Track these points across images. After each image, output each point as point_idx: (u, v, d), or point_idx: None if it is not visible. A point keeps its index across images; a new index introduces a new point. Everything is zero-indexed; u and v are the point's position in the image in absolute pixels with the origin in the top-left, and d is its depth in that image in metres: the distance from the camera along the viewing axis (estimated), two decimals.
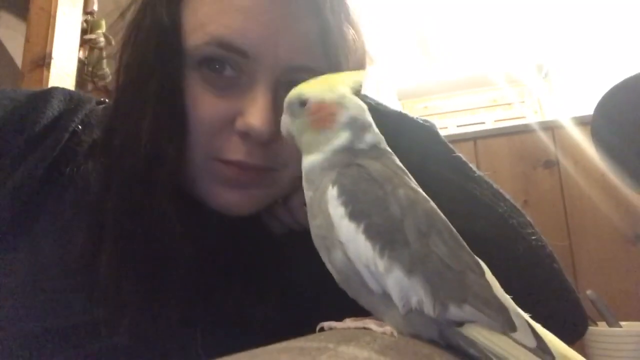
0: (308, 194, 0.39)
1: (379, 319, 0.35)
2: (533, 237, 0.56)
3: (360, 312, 0.37)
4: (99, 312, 0.46)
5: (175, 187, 0.49)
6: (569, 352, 0.31)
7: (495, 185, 0.61)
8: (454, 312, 0.32)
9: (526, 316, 0.33)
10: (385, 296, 0.34)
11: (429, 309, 0.32)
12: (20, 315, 0.46)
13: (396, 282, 0.33)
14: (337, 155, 0.38)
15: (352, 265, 0.35)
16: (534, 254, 0.55)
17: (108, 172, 0.50)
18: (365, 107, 0.41)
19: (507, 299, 0.33)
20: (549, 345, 0.31)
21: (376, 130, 0.41)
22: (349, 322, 0.35)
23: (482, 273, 0.34)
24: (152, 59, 0.49)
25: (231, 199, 0.51)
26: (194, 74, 0.49)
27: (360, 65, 0.55)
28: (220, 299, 0.51)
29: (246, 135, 0.48)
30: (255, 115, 0.47)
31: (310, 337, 0.31)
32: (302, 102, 0.40)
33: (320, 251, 0.38)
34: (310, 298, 0.52)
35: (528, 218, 0.59)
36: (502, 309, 0.32)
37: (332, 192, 0.35)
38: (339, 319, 0.36)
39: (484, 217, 0.56)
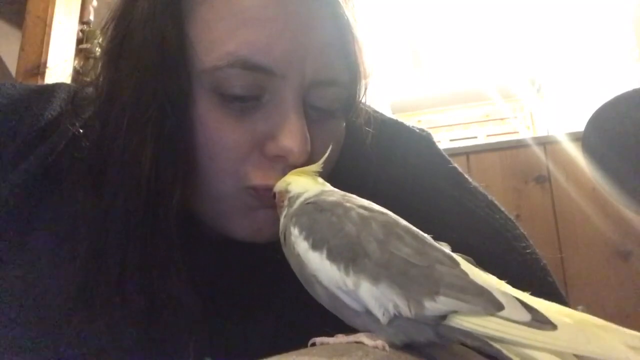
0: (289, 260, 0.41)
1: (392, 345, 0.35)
2: (527, 251, 0.56)
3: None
4: (97, 341, 0.43)
5: (180, 226, 0.44)
6: (575, 315, 0.30)
7: (490, 197, 0.60)
8: (430, 306, 0.31)
9: (516, 292, 0.32)
10: (369, 312, 0.34)
11: (405, 310, 0.32)
12: (16, 345, 0.42)
13: (367, 293, 0.33)
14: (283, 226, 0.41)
15: (330, 292, 0.35)
16: (527, 268, 0.55)
17: (103, 211, 0.44)
18: (309, 184, 0.42)
19: (490, 282, 0.33)
20: (548, 315, 0.30)
21: (313, 192, 0.41)
22: (340, 337, 0.35)
23: (455, 264, 0.33)
24: (154, 79, 0.43)
25: (261, 220, 0.47)
26: (210, 97, 0.44)
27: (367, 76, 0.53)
28: (217, 326, 0.48)
29: (280, 159, 0.45)
30: (291, 138, 0.44)
31: (302, 351, 0.31)
32: (274, 195, 0.44)
33: (313, 295, 0.38)
34: (309, 316, 0.51)
35: (522, 230, 0.59)
36: (482, 292, 0.31)
37: (295, 232, 0.37)
38: (334, 334, 0.36)
39: (479, 230, 0.56)
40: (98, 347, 0.43)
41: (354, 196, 0.40)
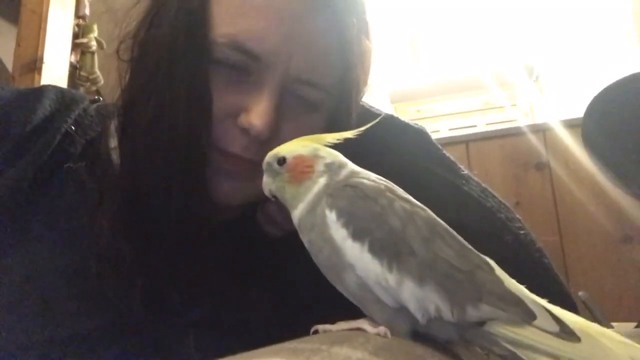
0: (305, 241, 0.39)
1: (395, 333, 0.34)
2: (522, 232, 0.57)
3: (357, 312, 0.37)
4: (98, 320, 0.45)
5: (178, 210, 0.48)
6: (591, 327, 0.32)
7: (483, 184, 0.61)
8: (472, 312, 0.32)
9: (543, 301, 0.33)
10: (401, 309, 0.34)
11: (447, 314, 0.32)
12: (21, 326, 0.44)
13: (410, 293, 0.33)
14: (319, 196, 0.38)
15: (365, 284, 0.34)
16: (522, 248, 0.56)
17: (131, 155, 0.50)
18: (338, 153, 0.41)
19: (520, 290, 0.34)
20: (572, 326, 0.31)
21: (352, 166, 0.40)
22: (342, 324, 0.35)
23: (492, 270, 0.34)
24: (182, 42, 0.49)
25: (224, 188, 0.51)
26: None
27: (365, 78, 0.57)
28: (217, 305, 0.50)
29: (246, 132, 0.49)
30: (258, 115, 0.48)
31: (304, 339, 0.31)
32: (280, 161, 0.40)
33: (334, 283, 0.37)
34: (308, 300, 0.52)
35: (517, 215, 0.60)
36: (518, 301, 0.32)
37: (332, 216, 0.35)
38: (336, 321, 0.36)
39: (472, 209, 0.57)
40: (98, 329, 0.45)
41: (393, 184, 0.39)
